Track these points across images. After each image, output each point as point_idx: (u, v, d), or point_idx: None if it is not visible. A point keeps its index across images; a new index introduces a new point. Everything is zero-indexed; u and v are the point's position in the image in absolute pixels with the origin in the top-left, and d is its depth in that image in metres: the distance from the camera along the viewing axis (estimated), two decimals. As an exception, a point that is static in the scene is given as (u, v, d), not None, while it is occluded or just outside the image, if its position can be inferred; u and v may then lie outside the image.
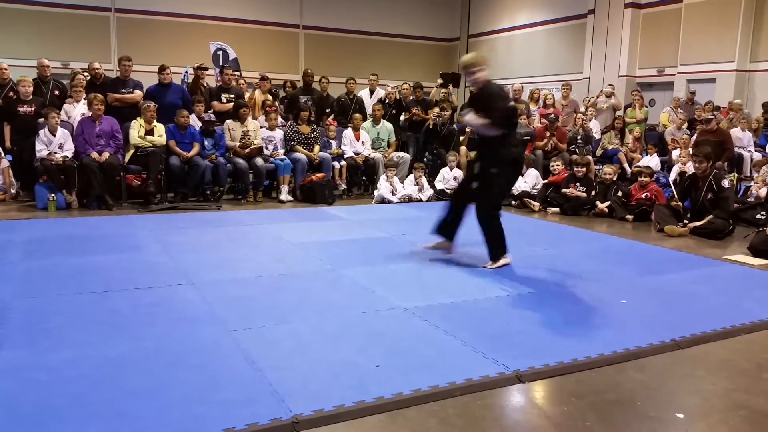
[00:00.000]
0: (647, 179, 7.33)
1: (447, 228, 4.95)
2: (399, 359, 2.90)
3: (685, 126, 9.99)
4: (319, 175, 8.29)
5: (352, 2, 17.81)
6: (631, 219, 7.05)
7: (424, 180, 8.55)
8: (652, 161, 9.00)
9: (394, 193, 8.28)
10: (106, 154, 7.24)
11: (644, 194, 7.21)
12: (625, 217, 7.09)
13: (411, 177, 8.58)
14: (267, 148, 8.39)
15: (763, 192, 7.53)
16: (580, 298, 4.00)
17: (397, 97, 10.06)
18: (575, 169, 7.74)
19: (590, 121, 10.24)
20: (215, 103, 8.70)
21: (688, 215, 6.53)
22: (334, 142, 8.95)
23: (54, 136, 7.20)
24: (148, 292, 3.90)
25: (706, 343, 3.28)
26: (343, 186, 8.88)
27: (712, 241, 6.03)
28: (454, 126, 9.71)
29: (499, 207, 4.81)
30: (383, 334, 3.24)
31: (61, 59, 13.43)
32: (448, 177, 8.70)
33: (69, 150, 7.27)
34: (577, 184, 7.65)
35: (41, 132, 7.19)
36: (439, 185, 8.68)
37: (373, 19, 18.12)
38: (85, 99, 7.88)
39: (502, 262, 4.72)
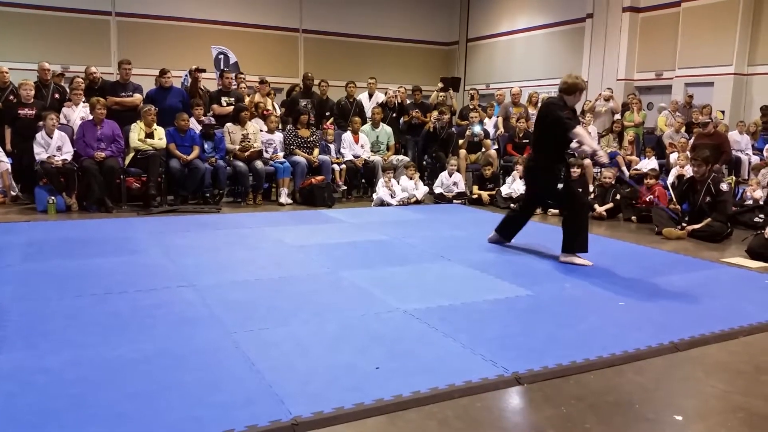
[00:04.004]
0: (653, 181, 7.37)
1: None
2: (398, 361, 2.91)
3: (683, 129, 10.02)
4: (319, 178, 8.30)
5: (351, 6, 17.84)
6: (635, 220, 7.18)
7: (416, 177, 8.58)
8: (651, 164, 9.02)
9: (393, 196, 8.29)
10: (102, 154, 7.24)
11: (649, 197, 7.25)
12: (631, 218, 7.27)
13: (404, 177, 8.60)
14: (267, 151, 8.41)
15: (758, 194, 7.55)
16: (578, 300, 4.01)
17: (398, 101, 10.09)
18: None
19: (589, 125, 10.25)
20: (215, 106, 8.72)
21: (686, 218, 6.55)
22: (332, 146, 8.96)
23: (51, 138, 7.20)
24: (148, 294, 3.91)
25: (704, 346, 3.29)
26: (343, 187, 8.90)
27: (711, 244, 6.05)
28: (453, 129, 9.74)
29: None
30: (382, 336, 3.25)
31: (62, 63, 13.44)
32: (447, 182, 8.71)
33: (68, 153, 7.27)
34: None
35: (38, 135, 7.19)
36: (437, 190, 8.69)
37: (372, 23, 18.15)
38: (84, 102, 7.91)
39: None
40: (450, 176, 8.70)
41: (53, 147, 7.19)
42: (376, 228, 6.48)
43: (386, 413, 2.45)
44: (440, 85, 11.30)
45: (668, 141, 9.89)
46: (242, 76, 10.19)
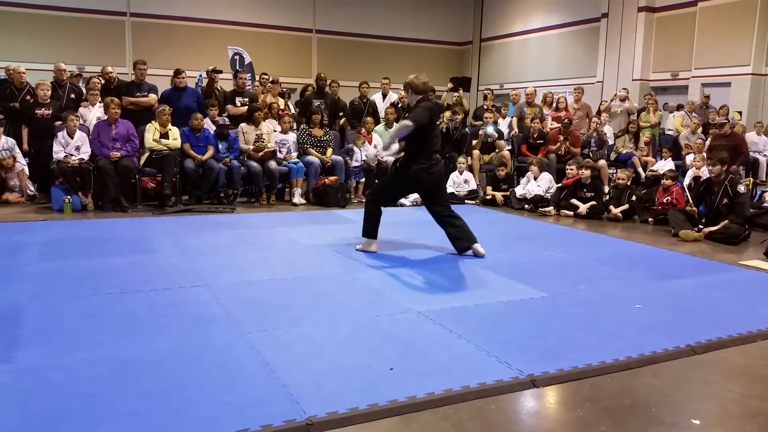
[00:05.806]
0: (670, 182, 7.29)
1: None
2: (412, 363, 2.90)
3: (699, 130, 9.92)
4: (332, 178, 8.30)
5: (364, 6, 17.86)
6: (652, 222, 7.10)
7: None
8: (667, 165, 8.94)
9: (406, 197, 8.27)
10: (117, 154, 7.30)
11: (666, 198, 7.18)
12: (648, 220, 7.16)
13: None
14: (280, 152, 8.43)
15: (775, 197, 7.46)
16: (594, 302, 3.98)
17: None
18: (581, 172, 7.66)
19: (605, 125, 10.19)
20: (230, 106, 8.76)
21: (703, 220, 6.48)
22: (358, 152, 8.87)
23: (72, 138, 7.28)
24: (163, 293, 3.93)
25: (722, 349, 3.25)
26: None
27: (728, 246, 5.98)
28: (467, 130, 9.71)
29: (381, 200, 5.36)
30: (396, 337, 3.24)
31: (77, 63, 13.57)
32: (458, 180, 8.69)
33: (86, 153, 7.34)
34: (585, 190, 7.59)
35: (59, 134, 7.27)
36: (449, 189, 8.65)
37: (385, 24, 18.15)
38: (100, 102, 7.97)
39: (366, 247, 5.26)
40: (460, 174, 8.68)
41: (72, 146, 7.26)
42: (389, 228, 6.43)
43: (400, 414, 2.45)
44: (450, 85, 11.29)
45: (684, 142, 9.80)
46: (266, 77, 10.21)
